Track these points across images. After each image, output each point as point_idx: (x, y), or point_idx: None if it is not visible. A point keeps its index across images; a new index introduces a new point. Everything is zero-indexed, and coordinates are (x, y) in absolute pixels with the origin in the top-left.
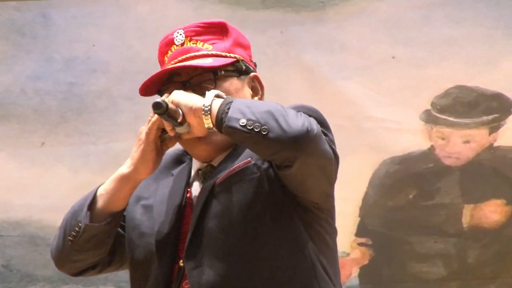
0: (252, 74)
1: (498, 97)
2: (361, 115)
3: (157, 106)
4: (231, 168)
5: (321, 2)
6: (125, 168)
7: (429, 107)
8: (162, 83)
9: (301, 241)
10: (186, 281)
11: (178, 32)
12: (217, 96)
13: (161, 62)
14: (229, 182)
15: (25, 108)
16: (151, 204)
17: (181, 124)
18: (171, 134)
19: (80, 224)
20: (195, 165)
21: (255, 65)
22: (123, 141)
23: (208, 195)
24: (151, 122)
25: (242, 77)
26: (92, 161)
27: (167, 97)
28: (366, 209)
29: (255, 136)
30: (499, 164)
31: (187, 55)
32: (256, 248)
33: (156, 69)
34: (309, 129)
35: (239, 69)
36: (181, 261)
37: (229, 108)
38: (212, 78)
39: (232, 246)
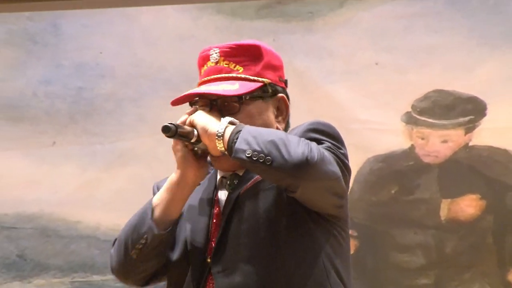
0: (279, 95)
1: (473, 100)
2: (347, 116)
3: (165, 130)
4: (254, 179)
5: (310, 12)
6: (173, 175)
7: (410, 109)
8: (194, 96)
9: (316, 247)
10: (211, 283)
11: (214, 50)
12: (231, 123)
13: (199, 72)
14: (252, 192)
15: (37, 110)
16: (182, 211)
17: (197, 142)
18: (189, 148)
19: (146, 236)
20: (220, 172)
21: (286, 83)
22: (128, 141)
23: (234, 204)
24: None
25: (267, 99)
26: (99, 159)
27: (193, 111)
28: (352, 204)
29: (260, 166)
30: (475, 162)
31: (218, 75)
32: (275, 254)
33: (158, 75)
34: (308, 157)
35: (265, 92)
36: (208, 261)
37: (237, 138)
38: (237, 101)
39: (254, 251)
